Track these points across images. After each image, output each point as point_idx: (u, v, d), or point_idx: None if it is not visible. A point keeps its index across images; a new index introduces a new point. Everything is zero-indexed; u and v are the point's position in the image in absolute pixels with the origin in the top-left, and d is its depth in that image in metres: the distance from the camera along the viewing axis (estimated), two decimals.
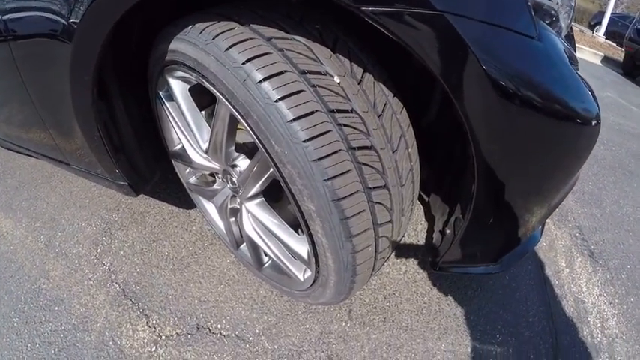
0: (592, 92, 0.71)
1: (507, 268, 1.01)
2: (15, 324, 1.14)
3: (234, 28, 0.58)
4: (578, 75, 0.68)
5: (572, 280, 1.44)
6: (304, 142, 0.54)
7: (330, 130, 0.55)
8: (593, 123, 0.68)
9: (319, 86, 0.55)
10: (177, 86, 0.80)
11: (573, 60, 0.74)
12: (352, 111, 0.57)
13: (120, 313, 1.13)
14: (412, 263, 1.30)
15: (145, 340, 1.05)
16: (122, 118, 0.96)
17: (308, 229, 0.64)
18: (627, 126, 3.36)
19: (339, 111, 0.56)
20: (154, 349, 1.03)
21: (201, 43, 0.60)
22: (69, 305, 1.19)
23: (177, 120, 0.88)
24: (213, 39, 0.58)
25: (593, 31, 9.29)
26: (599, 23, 8.86)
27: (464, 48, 0.50)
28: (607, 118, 3.40)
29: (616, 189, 2.14)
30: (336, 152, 0.55)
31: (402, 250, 1.34)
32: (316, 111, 0.54)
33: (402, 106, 0.68)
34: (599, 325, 1.27)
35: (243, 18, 0.61)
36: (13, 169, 2.13)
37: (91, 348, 1.06)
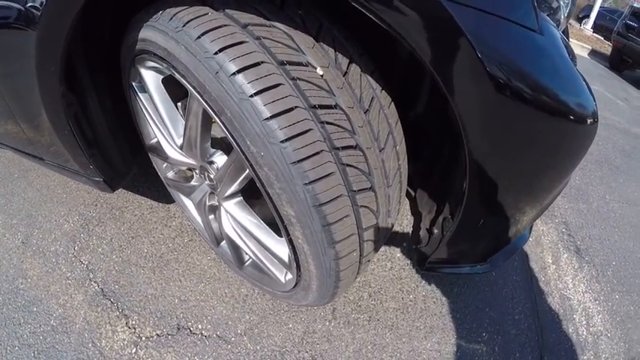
0: (590, 89, 0.68)
1: (496, 268, 0.98)
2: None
3: (207, 14, 0.52)
4: (578, 71, 0.65)
5: (559, 277, 1.43)
6: (282, 142, 0.48)
7: (311, 129, 0.49)
8: (592, 121, 0.64)
9: (300, 79, 0.50)
10: (150, 77, 0.74)
11: (572, 55, 0.70)
12: (336, 107, 0.52)
13: (99, 313, 1.08)
14: (398, 260, 1.27)
15: (125, 342, 1.00)
16: (95, 110, 0.89)
17: (288, 234, 0.59)
18: (613, 120, 3.35)
19: (322, 107, 0.51)
20: (134, 350, 0.99)
21: (171, 31, 0.54)
22: (47, 306, 1.13)
23: (150, 113, 0.82)
24: (184, 26, 0.52)
25: (580, 24, 9.32)
26: (587, 16, 8.88)
27: (460, 37, 0.45)
28: None
29: (602, 184, 2.14)
30: (317, 153, 0.50)
31: (388, 247, 1.30)
32: (296, 107, 0.49)
33: (391, 100, 0.63)
34: (584, 322, 1.27)
35: (218, 2, 0.55)
36: None
37: (71, 350, 1.01)
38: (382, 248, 1.30)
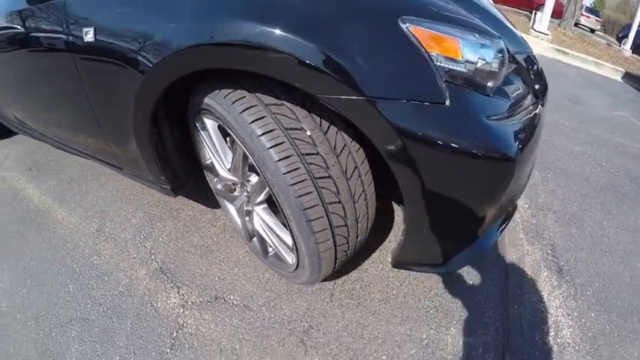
0: (508, 134, 0.97)
1: (455, 269, 1.30)
2: (70, 289, 1.57)
3: (245, 97, 0.97)
4: (494, 122, 0.93)
5: (535, 292, 1.63)
6: (284, 173, 0.92)
7: (299, 167, 0.92)
8: (502, 161, 0.94)
9: (296, 138, 0.93)
10: (209, 123, 1.21)
11: (511, 102, 1.01)
12: (317, 154, 0.94)
13: (157, 284, 1.54)
14: (388, 263, 1.63)
15: (176, 305, 1.45)
16: (168, 140, 1.37)
17: (289, 226, 1.02)
18: (633, 147, 3.43)
19: (308, 154, 0.93)
20: (181, 311, 1.43)
21: (225, 105, 0.99)
22: (116, 277, 1.60)
23: (208, 144, 1.29)
24: (232, 104, 0.97)
25: (620, 44, 9.12)
26: (627, 36, 8.68)
27: (384, 121, 0.84)
28: (612, 140, 3.50)
29: (602, 211, 2.28)
30: (303, 180, 0.92)
31: (382, 252, 1.68)
32: (292, 155, 0.92)
33: (359, 146, 1.03)
34: (552, 333, 1.46)
35: (253, 86, 0.99)
36: (64, 166, 2.64)
37: (133, 308, 1.46)
38: (377, 253, 1.68)
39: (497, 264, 1.77)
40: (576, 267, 1.82)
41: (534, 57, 1.50)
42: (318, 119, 0.98)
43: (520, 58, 1.30)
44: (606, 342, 1.47)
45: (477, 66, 0.94)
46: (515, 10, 14.88)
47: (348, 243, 1.09)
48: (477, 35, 0.95)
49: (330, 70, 0.81)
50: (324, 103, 0.86)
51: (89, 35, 1.20)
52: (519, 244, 1.93)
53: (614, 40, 9.84)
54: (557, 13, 11.80)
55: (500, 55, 1.00)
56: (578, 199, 2.37)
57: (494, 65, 0.98)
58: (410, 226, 1.05)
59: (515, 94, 1.13)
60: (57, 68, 1.45)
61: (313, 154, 0.94)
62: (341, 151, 0.98)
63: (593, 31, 20.02)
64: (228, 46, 0.89)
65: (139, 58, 1.07)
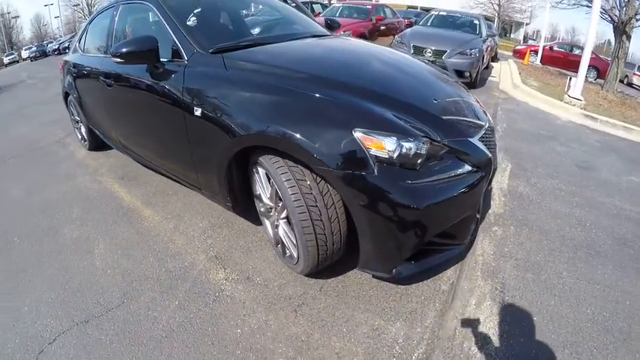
0: (422, 193, 1.91)
1: (399, 278, 2.15)
2: (150, 260, 2.69)
3: (279, 161, 2.04)
4: (411, 184, 1.89)
5: (474, 314, 2.15)
6: (293, 201, 1.99)
7: (301, 199, 1.98)
8: (410, 209, 1.87)
9: (302, 185, 1.97)
10: (261, 170, 2.31)
11: (436, 173, 1.94)
12: (311, 193, 1.98)
13: (211, 265, 2.62)
14: (365, 273, 2.53)
15: (221, 278, 2.51)
16: (236, 178, 2.46)
17: (293, 230, 2.02)
18: (630, 211, 3.54)
19: (306, 193, 1.98)
20: (224, 282, 2.48)
21: (269, 163, 2.09)
22: (184, 257, 2.71)
23: (259, 183, 2.36)
24: (273, 163, 2.06)
25: None
26: None
27: (340, 181, 1.86)
28: (608, 203, 3.67)
29: (567, 264, 2.63)
30: (302, 206, 1.98)
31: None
32: (298, 192, 1.98)
33: (337, 192, 2.00)
34: (479, 344, 1.94)
35: (284, 155, 2.04)
36: (149, 180, 3.91)
37: (193, 276, 2.55)
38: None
39: (450, 289, 2.49)
40: (519, 303, 2.25)
41: (477, 140, 2.27)
42: (314, 175, 2.00)
43: (455, 143, 2.06)
44: None
45: (399, 153, 1.83)
46: (560, 71, 15.75)
47: (326, 246, 2.07)
48: (398, 137, 1.86)
49: (316, 154, 1.87)
50: (314, 169, 1.87)
51: (198, 112, 2.35)
52: (474, 278, 2.55)
53: None
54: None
55: (422, 145, 1.90)
56: (544, 252, 2.75)
57: (419, 151, 1.89)
58: (362, 244, 1.99)
59: (441, 167, 1.99)
60: (168, 120, 2.71)
61: (310, 193, 1.97)
62: (325, 193, 1.99)
63: None
64: (273, 136, 1.96)
65: (228, 132, 2.20)
